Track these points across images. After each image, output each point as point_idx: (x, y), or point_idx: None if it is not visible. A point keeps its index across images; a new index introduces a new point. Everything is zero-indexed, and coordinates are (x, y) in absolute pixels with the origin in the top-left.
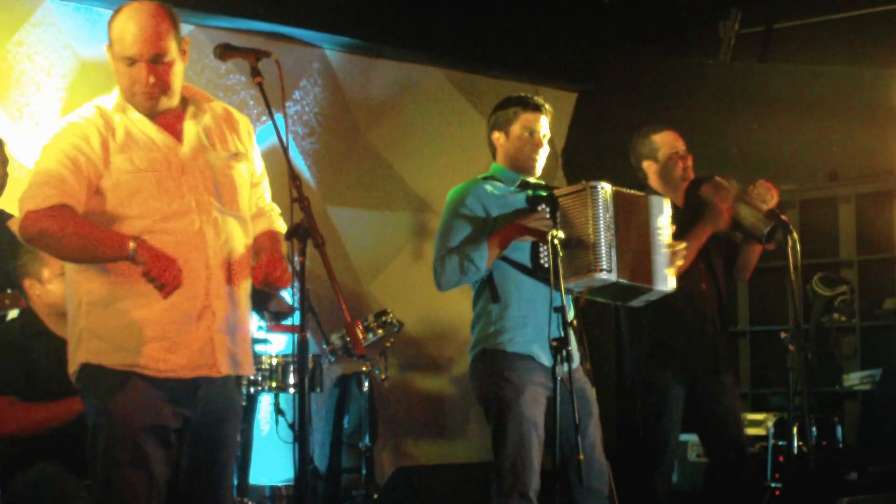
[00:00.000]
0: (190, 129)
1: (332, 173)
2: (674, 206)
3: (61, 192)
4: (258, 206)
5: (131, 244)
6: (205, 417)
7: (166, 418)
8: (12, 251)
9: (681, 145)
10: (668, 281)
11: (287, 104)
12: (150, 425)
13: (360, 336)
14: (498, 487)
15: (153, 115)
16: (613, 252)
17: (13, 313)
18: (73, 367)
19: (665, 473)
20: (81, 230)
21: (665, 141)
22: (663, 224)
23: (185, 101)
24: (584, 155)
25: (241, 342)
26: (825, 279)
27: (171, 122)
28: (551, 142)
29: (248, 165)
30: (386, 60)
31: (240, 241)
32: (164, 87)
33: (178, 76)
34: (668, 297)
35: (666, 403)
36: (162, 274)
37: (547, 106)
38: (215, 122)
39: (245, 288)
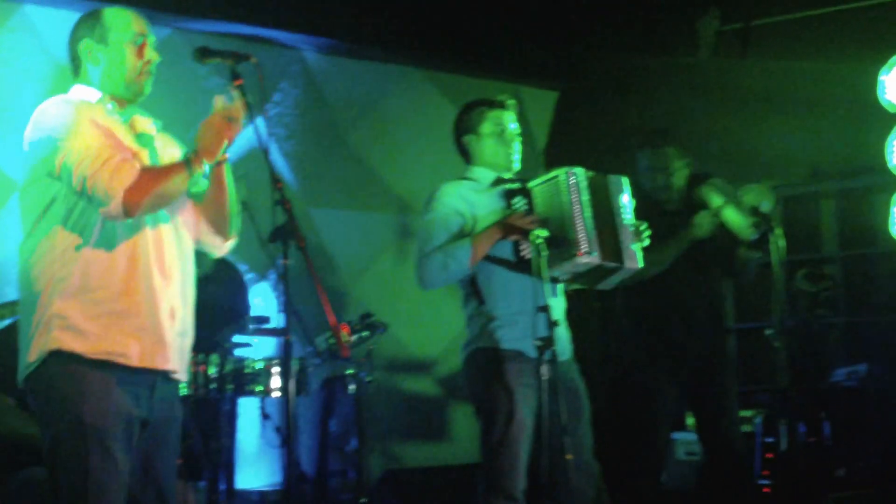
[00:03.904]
0: (142, 141)
1: (314, 175)
2: (659, 208)
3: (131, 161)
4: None
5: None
6: (155, 417)
7: (134, 414)
8: None
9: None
10: (635, 258)
11: (267, 107)
12: (122, 422)
13: (347, 338)
14: (485, 487)
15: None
16: (594, 234)
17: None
18: (34, 356)
19: (653, 472)
20: (163, 174)
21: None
22: (625, 203)
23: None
24: (566, 153)
25: (187, 350)
26: (809, 275)
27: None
28: (532, 140)
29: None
30: (365, 61)
31: (189, 253)
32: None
33: None
34: (655, 296)
35: (653, 402)
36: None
37: (511, 101)
38: (157, 137)
39: (193, 299)
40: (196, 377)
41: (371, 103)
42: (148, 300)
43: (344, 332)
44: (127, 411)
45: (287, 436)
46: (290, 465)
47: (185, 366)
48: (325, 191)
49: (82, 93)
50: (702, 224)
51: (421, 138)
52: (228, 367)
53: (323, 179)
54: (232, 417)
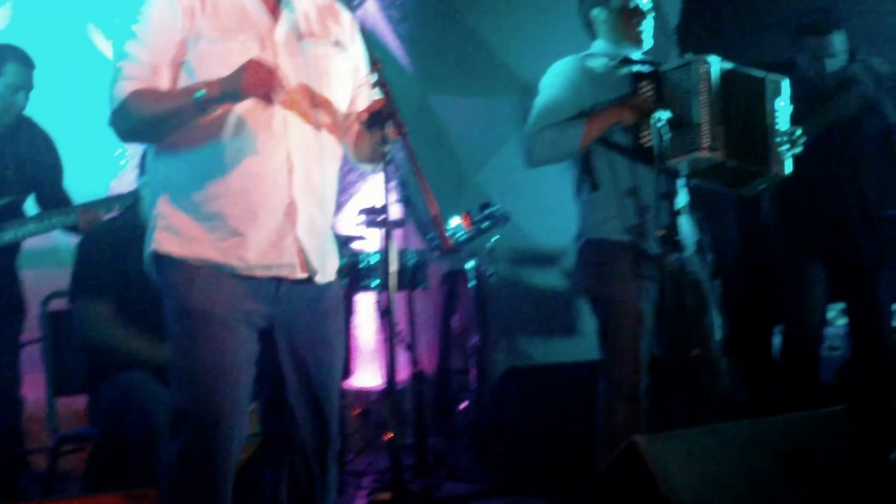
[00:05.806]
0: (287, 10)
1: (432, 60)
2: (815, 92)
3: (138, 80)
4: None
5: (198, 94)
6: (292, 316)
7: (249, 310)
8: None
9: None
10: (781, 164)
11: None
12: (231, 316)
13: (467, 228)
14: (605, 385)
15: None
16: (721, 130)
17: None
18: (146, 254)
19: (812, 358)
20: (155, 103)
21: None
22: (777, 106)
23: None
24: (699, 31)
25: (325, 244)
26: None
27: (268, 1)
28: (663, 18)
29: (349, 59)
30: None
31: (331, 138)
32: None
33: None
34: (803, 183)
35: (804, 285)
36: (259, 87)
37: None
38: (316, 9)
39: (333, 188)
40: None
41: None
42: (249, 200)
43: (464, 222)
44: (241, 302)
45: (391, 334)
46: (391, 366)
47: (323, 266)
48: (443, 76)
49: None
50: (845, 104)
51: (545, 17)
52: (342, 261)
53: (441, 64)
54: (348, 314)
